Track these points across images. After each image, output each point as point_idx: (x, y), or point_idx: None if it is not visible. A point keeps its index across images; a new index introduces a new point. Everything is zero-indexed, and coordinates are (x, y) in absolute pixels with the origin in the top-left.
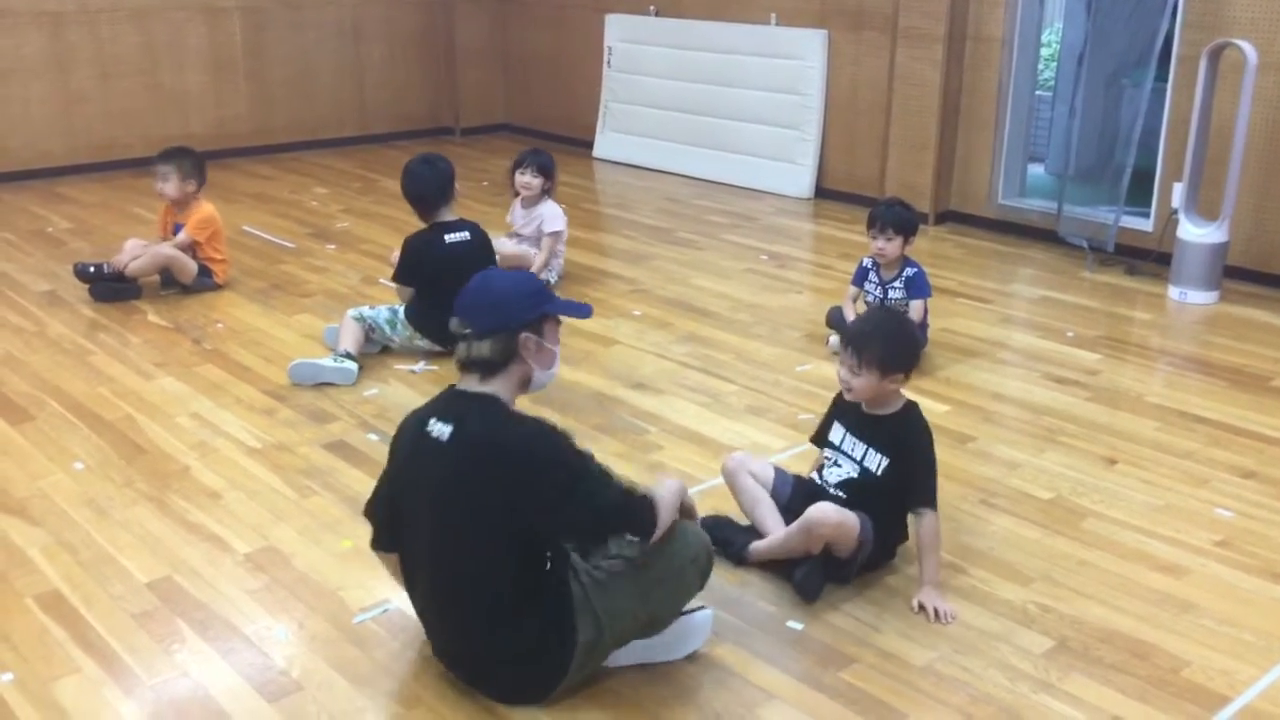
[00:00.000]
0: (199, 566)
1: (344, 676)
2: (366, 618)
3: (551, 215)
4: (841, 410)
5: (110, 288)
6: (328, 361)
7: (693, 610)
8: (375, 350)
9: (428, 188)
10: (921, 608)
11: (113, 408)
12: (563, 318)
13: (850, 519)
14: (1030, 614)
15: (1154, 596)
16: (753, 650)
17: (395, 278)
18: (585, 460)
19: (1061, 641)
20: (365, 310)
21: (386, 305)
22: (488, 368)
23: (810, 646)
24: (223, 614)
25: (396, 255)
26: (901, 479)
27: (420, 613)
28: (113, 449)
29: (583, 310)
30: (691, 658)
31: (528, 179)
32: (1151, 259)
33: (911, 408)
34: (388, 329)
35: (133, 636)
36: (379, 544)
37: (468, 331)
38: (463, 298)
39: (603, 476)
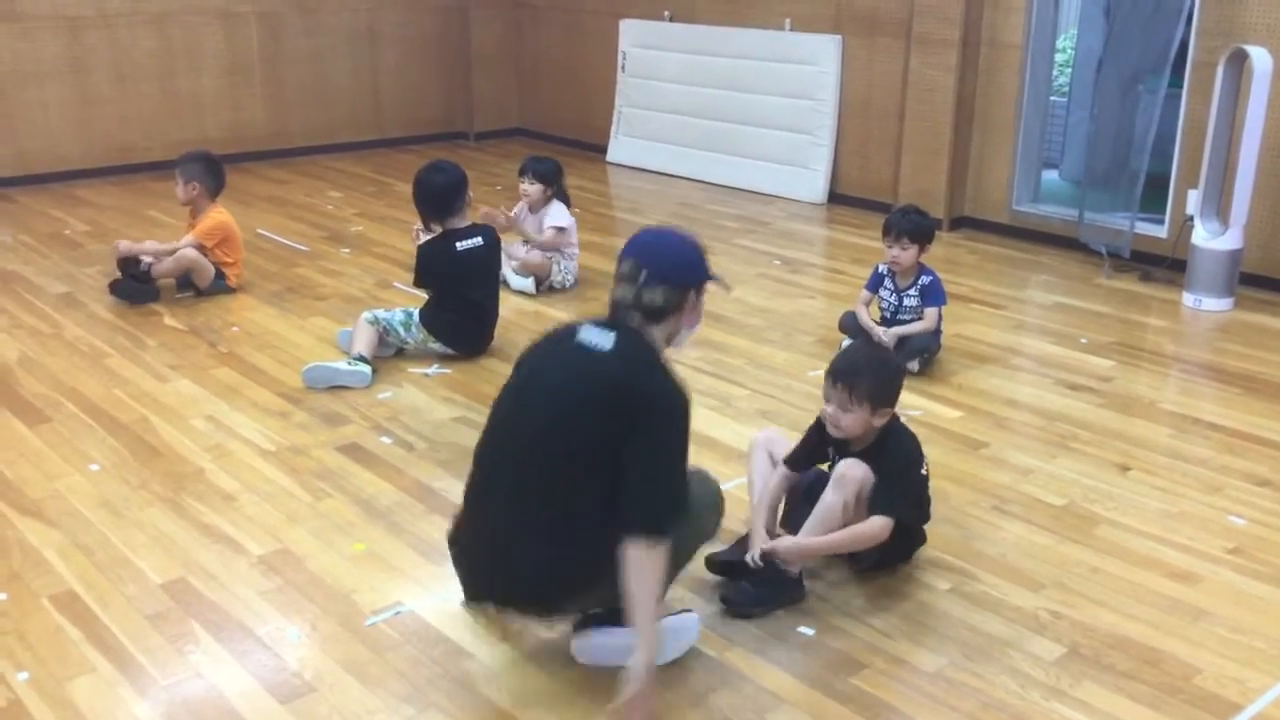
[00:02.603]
0: (213, 568)
1: (356, 678)
2: (379, 620)
3: (555, 212)
4: (824, 439)
5: (133, 287)
6: (342, 365)
7: (678, 611)
8: (390, 353)
9: (438, 196)
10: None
11: (128, 410)
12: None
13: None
14: (1042, 620)
15: (1166, 603)
16: (764, 655)
17: (416, 283)
18: (686, 445)
19: (1073, 648)
20: (380, 313)
21: (401, 308)
22: (654, 314)
23: (821, 652)
24: (236, 615)
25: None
26: (876, 482)
27: (481, 525)
28: (128, 451)
29: (727, 286)
30: (702, 661)
31: (525, 186)
32: (1166, 265)
33: (893, 426)
34: (402, 331)
35: (147, 637)
36: None
37: (642, 276)
38: (644, 246)
39: (683, 469)
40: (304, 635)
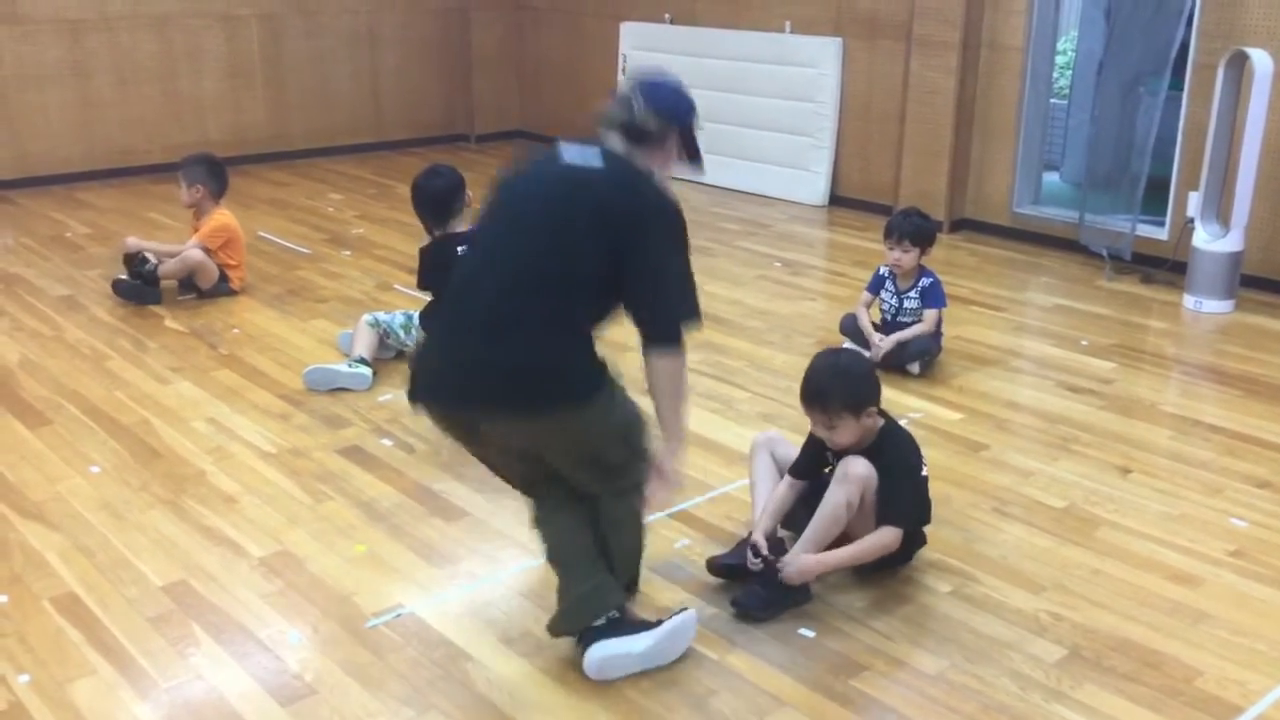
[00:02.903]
0: (214, 570)
1: (357, 681)
2: (379, 622)
3: None
4: (823, 445)
5: (135, 287)
6: (343, 367)
7: (677, 611)
8: (390, 356)
9: (437, 200)
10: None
11: (129, 412)
12: None
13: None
14: (1043, 623)
15: (1167, 606)
16: (764, 657)
17: (419, 285)
18: (689, 254)
19: (1074, 650)
20: (380, 315)
21: (402, 311)
22: (640, 137)
23: (821, 654)
24: (237, 618)
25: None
26: (881, 490)
27: (469, 321)
28: (129, 453)
29: (700, 165)
30: (703, 664)
31: None
32: (1167, 268)
33: (890, 429)
34: (402, 334)
35: (148, 639)
36: None
37: (639, 99)
38: (646, 78)
39: (691, 276)
40: (305, 637)
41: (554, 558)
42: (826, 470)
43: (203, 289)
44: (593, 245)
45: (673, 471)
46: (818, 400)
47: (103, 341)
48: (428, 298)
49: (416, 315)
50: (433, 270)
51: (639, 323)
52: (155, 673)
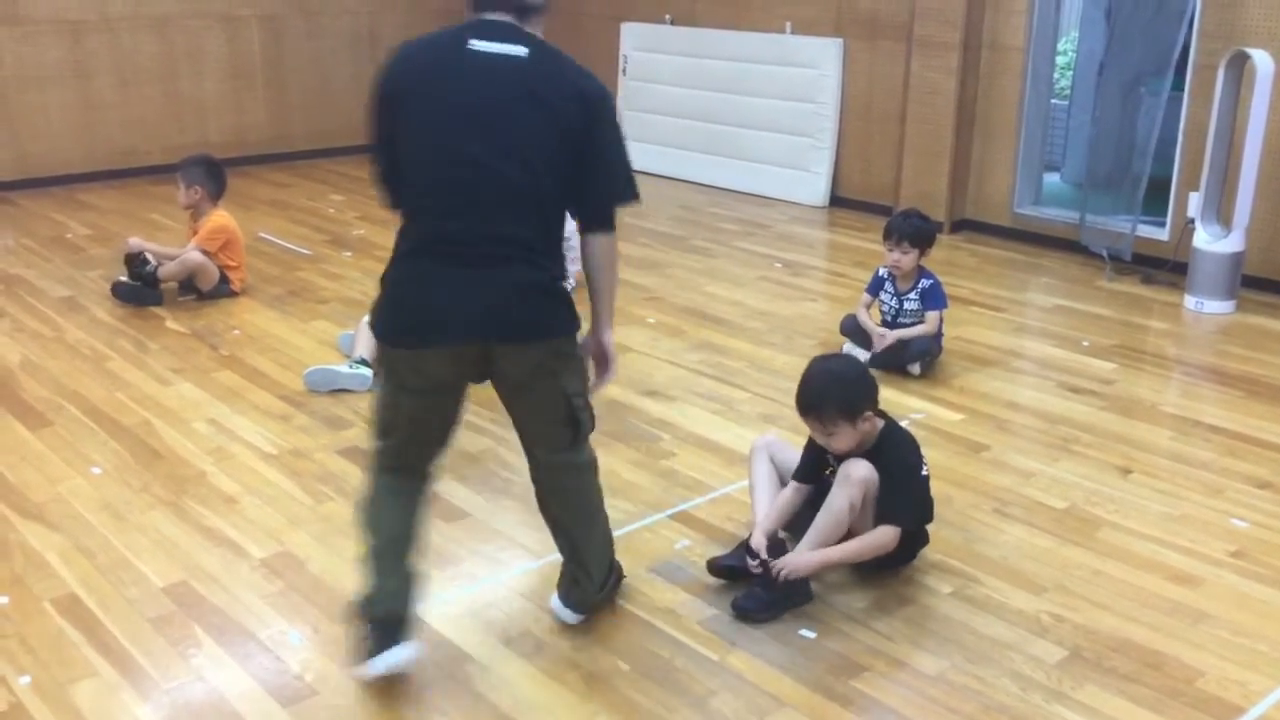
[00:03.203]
0: (215, 571)
1: (358, 682)
2: None
3: None
4: (824, 448)
5: (134, 289)
6: (343, 368)
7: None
8: None
9: None
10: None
11: (130, 413)
12: None
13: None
14: (1044, 623)
15: (1168, 606)
16: (765, 657)
17: None
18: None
19: (1075, 651)
20: None
21: None
22: (528, 10)
23: (822, 654)
24: (238, 618)
25: None
26: (881, 489)
27: (465, 246)
28: (130, 454)
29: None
30: (704, 664)
31: None
32: (1167, 268)
33: (889, 429)
34: None
35: (149, 640)
36: (385, 199)
37: None
38: None
39: (628, 155)
40: (306, 638)
41: (394, 544)
42: (828, 473)
43: (203, 290)
44: (555, 140)
45: (613, 356)
46: (812, 409)
47: (103, 343)
48: None
49: None
50: None
51: (583, 206)
52: (156, 674)
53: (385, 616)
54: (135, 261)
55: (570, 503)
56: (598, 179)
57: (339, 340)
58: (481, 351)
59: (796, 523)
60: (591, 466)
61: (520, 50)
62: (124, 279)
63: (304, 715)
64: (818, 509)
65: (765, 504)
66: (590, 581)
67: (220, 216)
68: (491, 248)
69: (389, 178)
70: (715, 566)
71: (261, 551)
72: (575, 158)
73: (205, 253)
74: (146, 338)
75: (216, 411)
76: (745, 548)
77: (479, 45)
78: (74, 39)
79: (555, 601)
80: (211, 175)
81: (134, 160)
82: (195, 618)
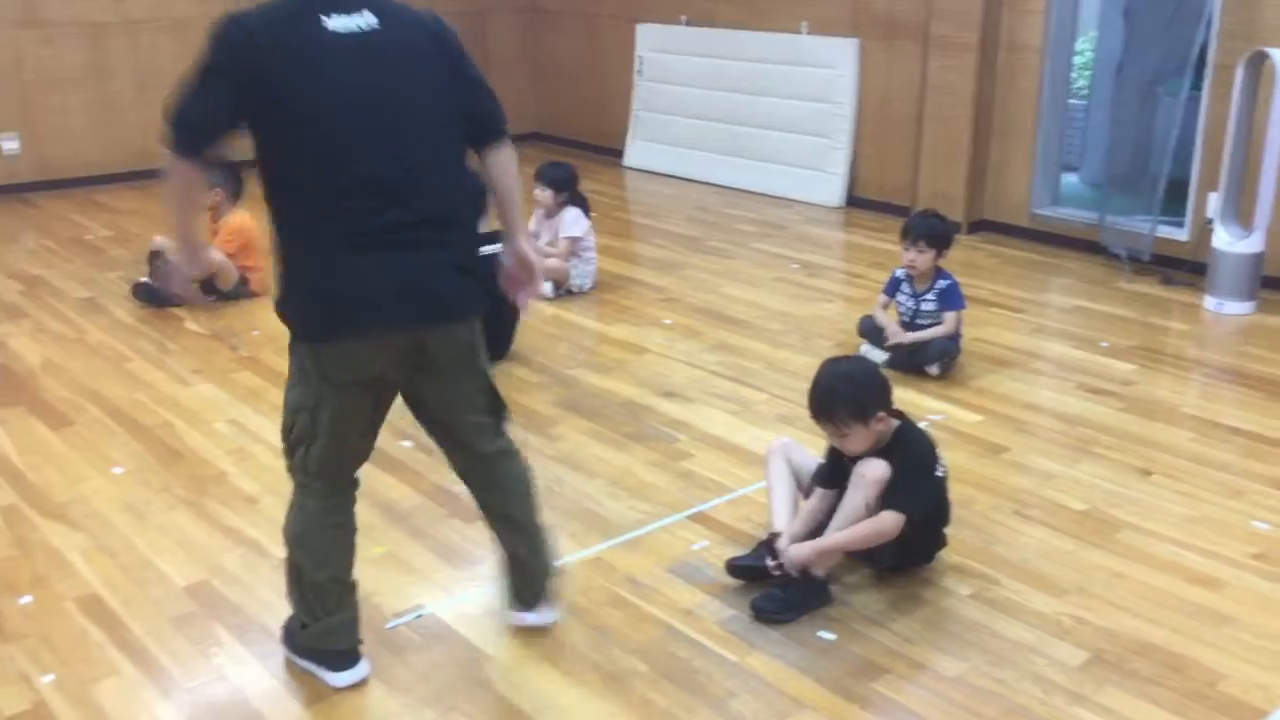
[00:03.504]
0: (236, 571)
1: (378, 681)
2: (400, 623)
3: (569, 221)
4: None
5: (155, 291)
6: None
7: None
8: None
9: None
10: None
11: (151, 413)
12: None
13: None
14: (1064, 626)
15: (1190, 609)
16: (784, 659)
17: None
18: None
19: (1096, 654)
20: None
21: None
22: None
23: (842, 656)
24: (259, 618)
25: None
26: (890, 482)
27: (399, 231)
28: (151, 454)
29: None
30: (723, 666)
31: (538, 193)
32: (1187, 269)
33: (904, 429)
34: None
35: (171, 640)
36: (192, 143)
37: None
38: None
39: None
40: None
41: (344, 574)
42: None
43: (223, 291)
44: (445, 100)
45: (535, 258)
46: (824, 412)
47: (124, 343)
48: None
49: None
50: None
51: (479, 128)
52: (178, 673)
53: (349, 648)
54: (157, 259)
55: (518, 491)
56: (480, 99)
57: None
58: (414, 338)
59: (821, 531)
60: (520, 450)
61: (371, 20)
62: (144, 280)
63: (324, 715)
64: (833, 511)
65: (783, 506)
66: (553, 571)
67: (240, 217)
68: (421, 234)
69: (208, 124)
70: (734, 567)
71: (282, 551)
72: (458, 98)
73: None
74: (167, 338)
75: (237, 412)
76: (764, 549)
77: (334, 25)
78: (94, 41)
79: (522, 615)
80: (231, 177)
81: (153, 162)
82: (216, 617)
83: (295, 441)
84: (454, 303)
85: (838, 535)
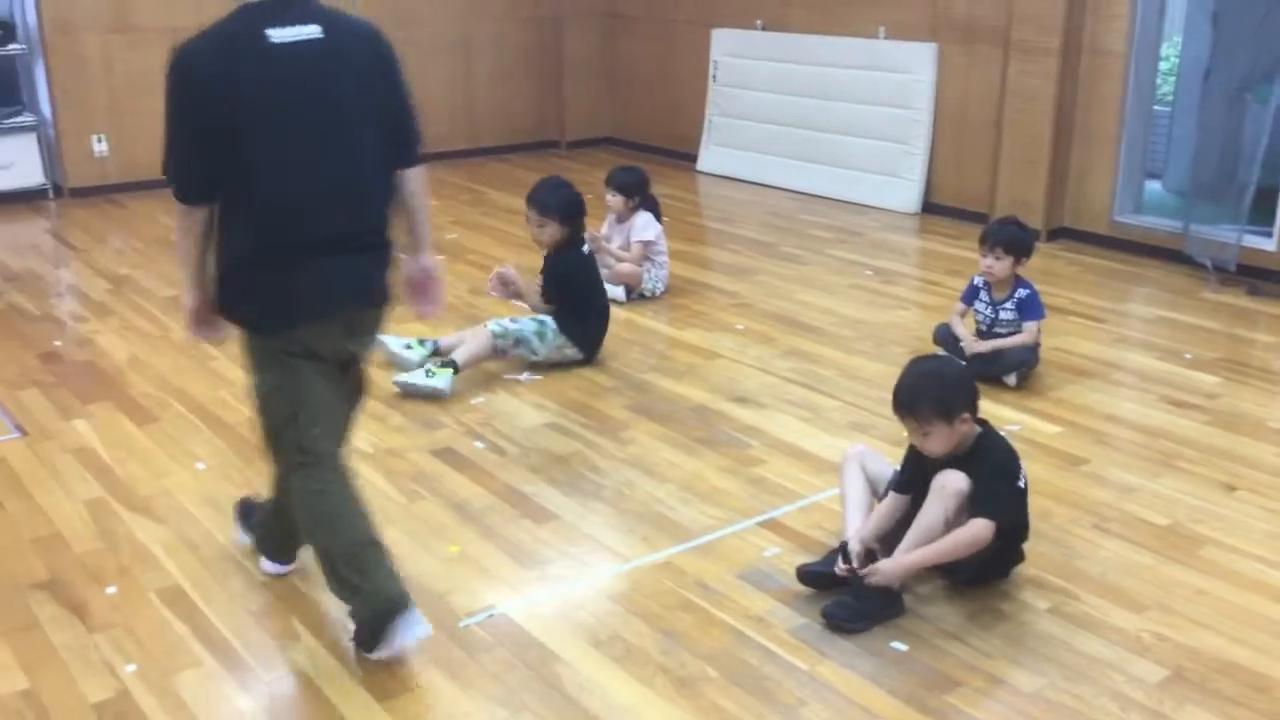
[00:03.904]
0: (313, 566)
1: (451, 679)
2: (472, 622)
3: (641, 225)
4: (922, 457)
5: None
6: (419, 379)
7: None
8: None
9: (579, 208)
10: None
11: (233, 411)
12: None
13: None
14: (1144, 642)
15: (1275, 628)
16: (856, 669)
17: (546, 297)
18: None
19: (1177, 671)
20: (508, 324)
21: (529, 318)
22: None
23: (915, 668)
24: (335, 614)
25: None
26: (973, 490)
27: (308, 235)
28: (233, 450)
29: None
30: (794, 674)
31: (609, 198)
32: (1275, 280)
33: (985, 435)
34: (535, 341)
35: (250, 633)
36: (201, 196)
37: None
38: None
39: None
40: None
41: (371, 535)
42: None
43: None
44: (377, 111)
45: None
46: (908, 406)
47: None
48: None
49: (550, 321)
50: (573, 279)
51: (402, 147)
52: (256, 665)
53: (396, 599)
54: None
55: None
56: (407, 121)
57: (391, 342)
58: (353, 319)
59: (890, 535)
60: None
61: (315, 30)
62: None
63: (398, 711)
64: (908, 521)
65: (856, 514)
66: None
67: None
68: (362, 238)
69: (205, 176)
70: (805, 574)
71: None
72: (389, 110)
73: None
74: None
75: None
76: (835, 555)
77: (278, 37)
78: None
79: (265, 563)
80: None
81: None
82: (294, 611)
83: (281, 424)
84: (380, 290)
85: (927, 550)
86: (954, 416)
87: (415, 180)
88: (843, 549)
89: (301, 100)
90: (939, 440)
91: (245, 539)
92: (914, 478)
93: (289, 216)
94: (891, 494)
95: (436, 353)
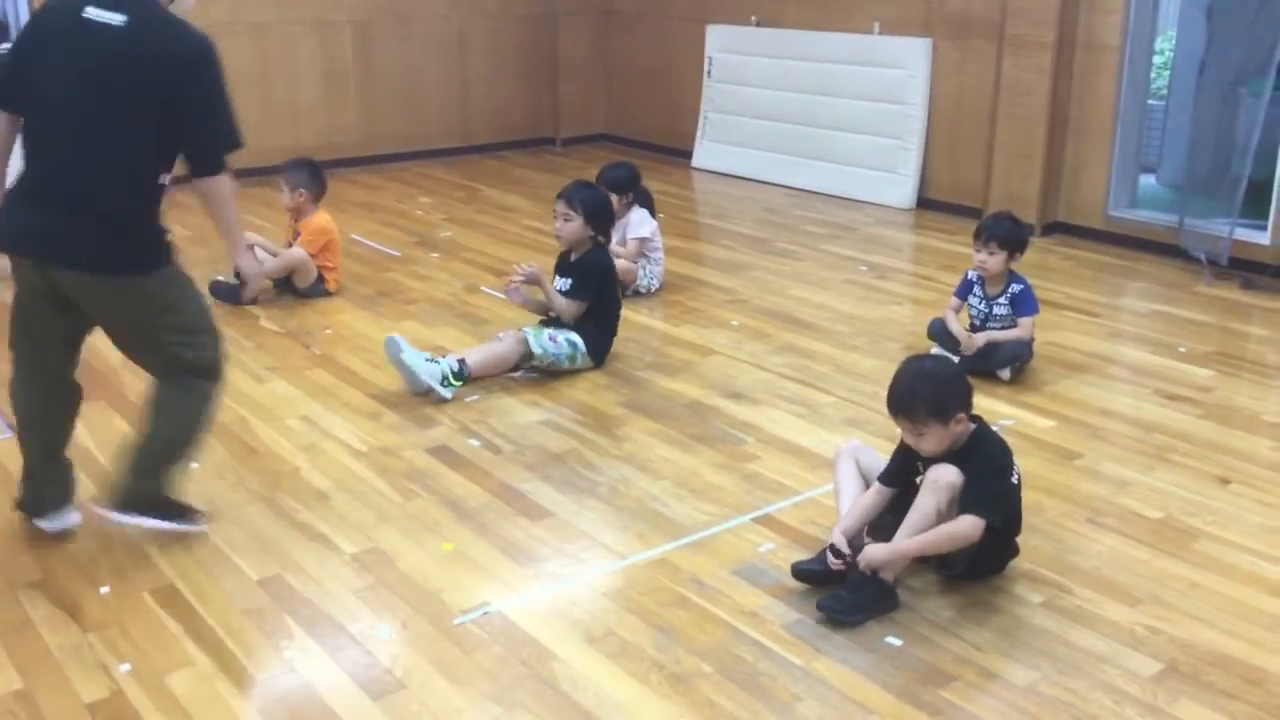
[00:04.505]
0: (307, 565)
1: (445, 677)
2: (467, 619)
3: (636, 222)
4: (912, 452)
5: (233, 289)
6: (424, 371)
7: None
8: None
9: (609, 210)
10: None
11: (226, 410)
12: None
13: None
14: (1138, 636)
15: (1268, 621)
16: (851, 664)
17: (583, 295)
18: (225, 83)
19: (1171, 665)
20: (549, 347)
21: (564, 337)
22: None
23: (909, 663)
24: (329, 612)
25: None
26: (965, 485)
27: (36, 180)
28: (226, 450)
29: None
30: (788, 669)
31: None
32: (1268, 273)
33: (979, 431)
34: (567, 364)
35: (244, 632)
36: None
37: None
38: None
39: (230, 105)
40: (395, 633)
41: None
42: (919, 480)
43: (300, 288)
44: (141, 95)
45: (253, 271)
46: (903, 408)
47: None
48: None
49: (580, 341)
50: (609, 279)
51: (192, 156)
52: (250, 665)
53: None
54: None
55: (164, 404)
56: (200, 135)
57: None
58: (43, 273)
59: (877, 527)
60: (207, 390)
61: (119, 18)
62: (221, 278)
63: (392, 709)
64: (899, 514)
65: (852, 504)
66: (134, 487)
67: (322, 218)
68: (83, 185)
69: (9, 81)
70: (799, 570)
71: (352, 547)
72: (170, 112)
73: (295, 259)
74: (242, 336)
75: (309, 409)
76: (828, 550)
77: (91, 14)
78: None
79: (105, 510)
80: (314, 178)
81: (230, 163)
82: (288, 611)
83: (206, 328)
84: (88, 260)
85: (916, 539)
86: (949, 417)
87: (205, 189)
88: (831, 548)
89: (76, 68)
90: (934, 440)
91: (159, 523)
92: (900, 471)
93: (38, 147)
94: (876, 485)
95: (462, 376)
